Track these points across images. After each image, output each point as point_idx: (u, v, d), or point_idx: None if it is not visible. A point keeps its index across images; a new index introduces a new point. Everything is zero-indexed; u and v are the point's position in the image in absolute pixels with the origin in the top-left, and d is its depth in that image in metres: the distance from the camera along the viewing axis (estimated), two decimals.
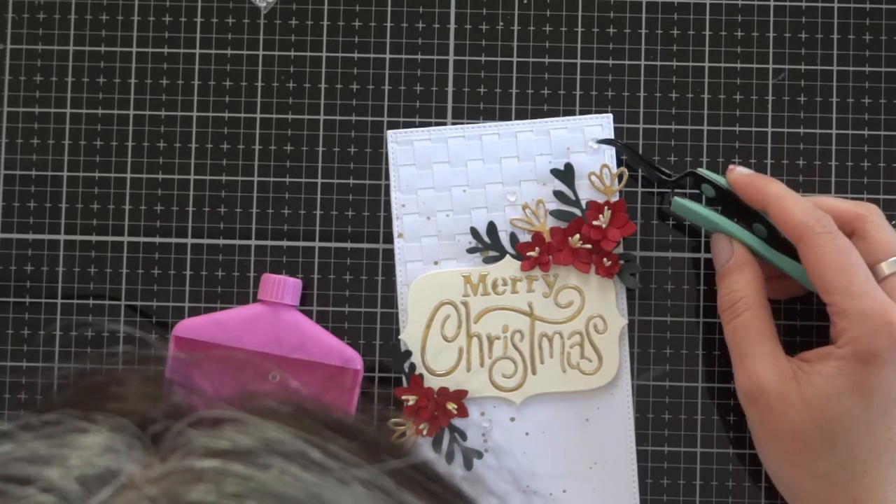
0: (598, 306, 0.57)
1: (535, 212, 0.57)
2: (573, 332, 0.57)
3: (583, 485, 0.57)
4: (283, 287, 0.56)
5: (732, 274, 0.53)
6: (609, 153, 0.58)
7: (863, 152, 0.59)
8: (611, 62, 0.59)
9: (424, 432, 0.57)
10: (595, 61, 0.59)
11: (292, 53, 0.59)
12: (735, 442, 0.57)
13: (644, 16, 0.59)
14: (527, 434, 0.57)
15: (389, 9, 0.59)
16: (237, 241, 0.59)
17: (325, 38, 0.59)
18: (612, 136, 0.58)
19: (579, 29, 0.59)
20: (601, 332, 0.57)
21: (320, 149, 0.59)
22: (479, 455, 0.57)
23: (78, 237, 0.59)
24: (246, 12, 0.59)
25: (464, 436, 0.57)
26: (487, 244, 0.57)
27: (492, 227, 0.57)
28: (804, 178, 0.58)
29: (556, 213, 0.57)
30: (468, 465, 0.56)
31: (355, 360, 0.56)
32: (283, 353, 0.55)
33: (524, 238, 0.57)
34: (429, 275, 0.57)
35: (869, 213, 0.52)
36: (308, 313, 0.58)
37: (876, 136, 0.59)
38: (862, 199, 0.58)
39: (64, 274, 0.59)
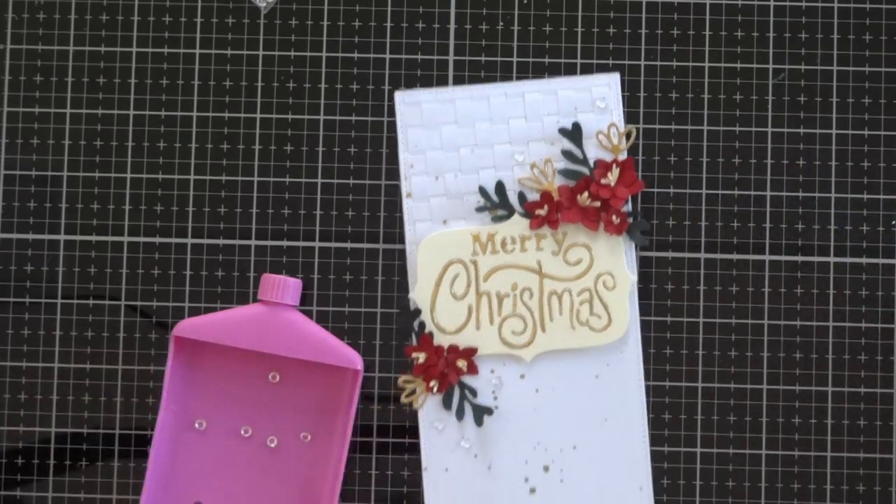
0: (607, 263, 0.57)
1: (543, 171, 0.58)
2: (582, 289, 0.57)
3: (593, 440, 0.57)
4: (283, 287, 0.56)
5: None
6: (616, 112, 0.58)
7: (863, 152, 0.59)
8: (611, 62, 0.59)
9: (434, 389, 0.57)
10: (595, 61, 0.59)
11: (292, 53, 0.59)
12: (735, 442, 0.57)
13: (644, 16, 0.59)
14: (536, 391, 0.57)
15: (389, 9, 0.59)
16: (237, 241, 0.59)
17: (325, 38, 0.59)
18: (619, 95, 0.58)
19: (579, 29, 0.59)
20: (610, 288, 0.57)
21: (320, 149, 0.59)
22: (490, 412, 0.57)
23: (78, 237, 0.59)
24: (246, 12, 0.59)
25: (474, 393, 0.57)
26: (496, 203, 0.58)
27: (500, 187, 0.58)
28: (804, 178, 0.58)
29: (564, 172, 0.57)
30: (478, 422, 0.57)
31: (355, 360, 0.56)
32: (283, 354, 0.55)
33: (532, 197, 0.58)
34: (438, 234, 0.58)
35: None
36: (308, 313, 0.58)
37: (876, 136, 0.59)
38: (862, 199, 0.58)
39: (64, 274, 0.59)
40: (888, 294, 0.58)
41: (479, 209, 0.58)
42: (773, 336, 0.58)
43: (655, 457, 0.57)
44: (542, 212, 0.57)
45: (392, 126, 0.59)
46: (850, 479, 0.57)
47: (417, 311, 0.57)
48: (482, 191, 0.58)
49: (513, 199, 0.58)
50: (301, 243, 0.59)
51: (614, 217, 0.57)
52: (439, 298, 0.57)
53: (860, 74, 0.59)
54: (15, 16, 0.60)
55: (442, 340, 0.57)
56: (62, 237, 0.59)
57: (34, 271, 0.59)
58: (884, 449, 0.58)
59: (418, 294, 0.57)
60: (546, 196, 0.57)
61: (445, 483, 0.57)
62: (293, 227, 0.59)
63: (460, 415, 0.57)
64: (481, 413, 0.57)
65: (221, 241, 0.59)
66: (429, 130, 0.58)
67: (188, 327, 0.55)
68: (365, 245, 0.59)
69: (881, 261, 0.58)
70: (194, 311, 0.58)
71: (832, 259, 0.58)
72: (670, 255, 0.58)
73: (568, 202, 0.57)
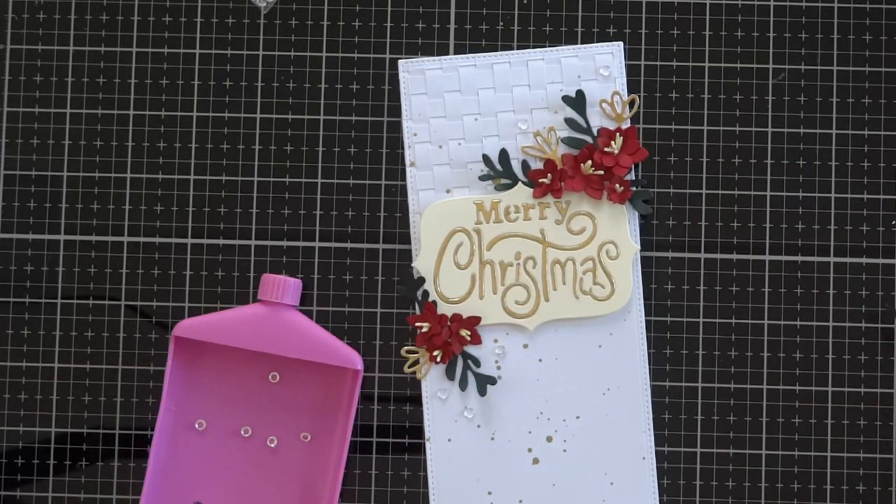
0: (611, 232, 0.57)
1: (546, 139, 0.58)
2: (585, 258, 0.57)
3: (596, 410, 0.57)
4: (284, 287, 0.56)
5: None
6: (620, 81, 0.58)
7: (863, 152, 0.59)
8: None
9: (438, 359, 0.57)
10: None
11: (292, 53, 0.59)
12: (735, 442, 0.57)
13: (644, 16, 0.59)
14: (540, 360, 0.57)
15: (389, 9, 0.59)
16: (237, 241, 0.59)
17: (325, 38, 0.59)
18: (623, 63, 0.58)
19: (579, 29, 0.59)
20: (613, 258, 0.57)
21: (320, 149, 0.59)
22: (493, 381, 0.57)
23: (78, 237, 0.59)
24: (246, 12, 0.59)
25: (477, 362, 0.57)
26: (499, 172, 0.58)
27: (504, 155, 0.58)
28: (804, 178, 0.58)
29: (568, 141, 0.58)
30: (482, 392, 0.57)
31: (355, 360, 0.56)
32: (283, 354, 0.55)
33: (536, 165, 0.58)
34: (441, 203, 0.58)
35: None
36: (308, 313, 0.58)
37: (876, 136, 0.59)
38: (862, 199, 0.58)
39: (64, 274, 0.59)
40: (888, 294, 0.58)
41: (483, 178, 0.58)
42: (773, 336, 0.58)
43: (656, 457, 0.57)
44: (545, 180, 0.57)
45: (392, 126, 0.59)
46: (850, 479, 0.57)
47: (421, 280, 0.57)
48: (486, 159, 0.58)
49: (516, 167, 0.58)
50: (301, 243, 0.59)
51: (617, 185, 0.57)
52: (443, 267, 0.57)
53: (860, 74, 0.59)
54: (15, 16, 0.60)
55: (445, 310, 0.57)
56: (62, 237, 0.59)
57: (34, 271, 0.59)
58: (884, 449, 0.58)
59: (421, 263, 0.57)
60: (549, 164, 0.57)
61: (448, 453, 0.57)
62: (293, 227, 0.59)
63: (463, 385, 0.57)
64: (484, 383, 0.57)
65: (221, 241, 0.59)
66: (433, 99, 0.58)
67: (188, 327, 0.56)
68: (365, 245, 0.59)
69: (881, 261, 0.58)
70: (194, 311, 0.58)
71: (832, 259, 0.58)
72: (670, 255, 0.58)
73: (571, 171, 0.57)
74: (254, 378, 0.57)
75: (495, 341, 0.57)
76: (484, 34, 0.59)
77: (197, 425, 0.57)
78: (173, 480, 0.57)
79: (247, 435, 0.57)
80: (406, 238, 0.58)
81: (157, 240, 0.59)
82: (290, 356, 0.55)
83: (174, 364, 0.56)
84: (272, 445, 0.57)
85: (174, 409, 0.56)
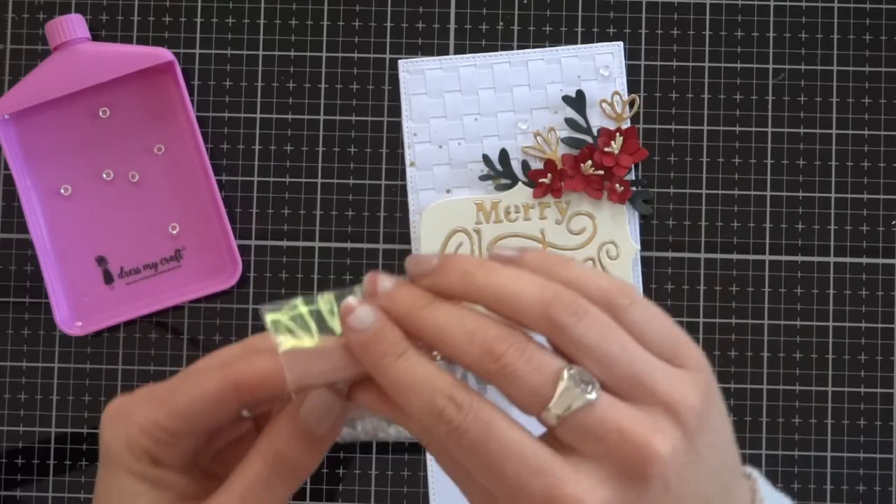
0: (611, 232, 0.57)
1: (546, 139, 0.58)
2: (586, 258, 0.57)
3: None
4: (67, 24, 0.56)
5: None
6: (620, 81, 0.58)
7: (863, 152, 0.59)
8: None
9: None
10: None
11: (292, 53, 0.59)
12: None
13: (644, 16, 0.59)
14: None
15: (389, 9, 0.59)
16: (237, 241, 0.58)
17: (325, 38, 0.59)
18: (623, 63, 0.58)
19: (579, 29, 0.59)
20: (613, 258, 0.57)
21: (320, 149, 0.59)
22: None
23: None
24: (246, 12, 0.59)
25: None
26: (500, 172, 0.58)
27: (504, 155, 0.58)
28: (804, 178, 0.58)
29: (568, 141, 0.58)
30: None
31: (162, 53, 0.57)
32: (97, 81, 0.56)
33: (536, 165, 0.58)
34: (441, 203, 0.58)
35: None
36: None
37: (876, 136, 0.59)
38: (862, 199, 0.58)
39: None
40: (888, 294, 0.58)
41: (483, 178, 0.58)
42: (773, 336, 0.58)
43: None
44: (545, 180, 0.57)
45: (392, 126, 0.59)
46: (850, 479, 0.57)
47: None
48: (486, 159, 0.58)
49: (516, 167, 0.58)
50: (301, 243, 0.59)
51: (617, 185, 0.57)
52: None
53: (860, 74, 0.59)
54: (15, 16, 0.60)
55: None
56: None
57: (34, 271, 0.59)
58: (884, 449, 0.58)
59: None
60: (549, 164, 0.57)
61: None
62: (293, 227, 0.59)
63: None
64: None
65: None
66: (432, 98, 0.58)
67: (8, 102, 0.56)
68: (365, 245, 0.59)
69: (881, 261, 0.58)
70: (194, 311, 0.58)
71: (832, 259, 0.58)
72: (670, 255, 0.58)
73: (571, 171, 0.57)
74: (87, 124, 0.58)
75: None
76: (484, 34, 0.59)
77: (63, 191, 0.58)
78: (66, 247, 0.58)
79: (109, 178, 0.58)
80: (406, 238, 0.58)
81: None
82: (106, 80, 0.56)
83: (9, 144, 0.57)
84: (135, 180, 0.58)
85: (31, 185, 0.57)
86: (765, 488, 0.33)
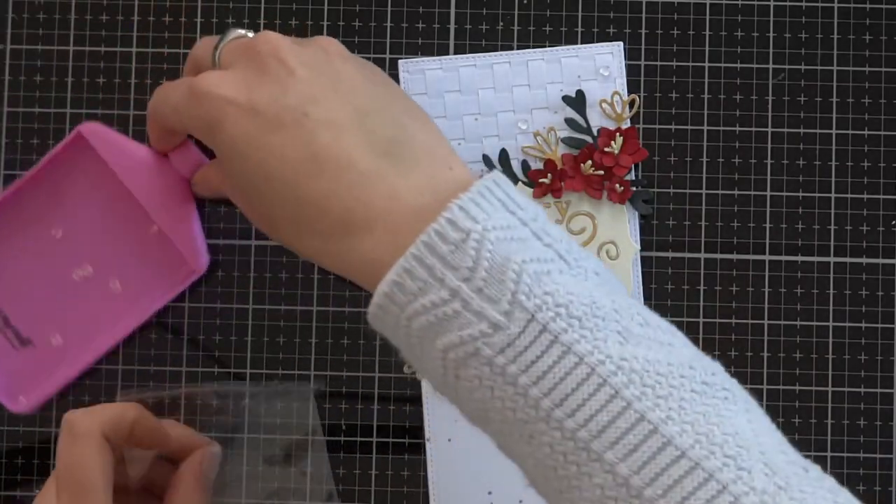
0: (611, 232, 0.57)
1: (546, 139, 0.58)
2: None
3: None
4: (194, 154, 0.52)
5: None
6: (620, 81, 0.58)
7: (863, 152, 0.59)
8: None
9: None
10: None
11: None
12: None
13: (644, 16, 0.59)
14: None
15: (389, 9, 0.59)
16: (237, 241, 0.58)
17: None
18: (623, 63, 0.58)
19: (579, 29, 0.59)
20: (614, 258, 0.57)
21: None
22: None
23: None
24: (246, 12, 0.59)
25: None
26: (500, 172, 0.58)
27: (504, 155, 0.58)
28: (804, 178, 0.58)
29: (568, 141, 0.58)
30: None
31: (202, 260, 0.54)
32: (151, 211, 0.52)
33: (536, 165, 0.58)
34: None
35: None
36: (308, 313, 0.58)
37: (876, 136, 0.59)
38: (862, 199, 0.58)
39: None
40: (888, 294, 0.58)
41: None
42: (773, 336, 0.58)
43: None
44: (545, 180, 0.57)
45: None
46: (850, 479, 0.57)
47: None
48: (486, 159, 0.58)
49: (516, 167, 0.58)
50: None
51: (618, 186, 0.57)
52: None
53: (860, 74, 0.59)
54: (15, 16, 0.60)
55: None
56: None
57: None
58: (884, 449, 0.58)
59: None
60: (549, 165, 0.57)
61: (448, 453, 0.57)
62: None
63: None
64: None
65: (222, 241, 0.59)
66: (432, 99, 0.58)
67: (99, 131, 0.52)
68: None
69: (881, 261, 0.58)
70: (193, 311, 0.58)
71: (832, 259, 0.58)
72: (670, 255, 0.58)
73: (571, 171, 0.57)
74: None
75: None
76: (484, 34, 0.59)
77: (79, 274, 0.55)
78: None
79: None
80: None
81: None
82: (155, 218, 0.52)
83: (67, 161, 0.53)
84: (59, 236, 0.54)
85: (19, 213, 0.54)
86: (496, 175, 0.39)
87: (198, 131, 0.42)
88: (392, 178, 0.38)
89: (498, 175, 0.38)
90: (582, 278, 0.35)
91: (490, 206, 0.36)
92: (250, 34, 0.43)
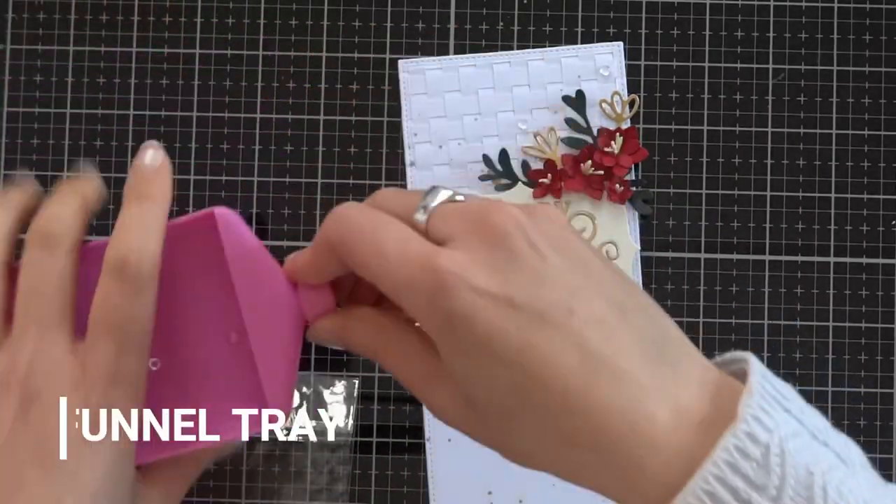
0: (611, 232, 0.57)
1: (546, 139, 0.58)
2: None
3: None
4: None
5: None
6: (620, 81, 0.58)
7: (863, 152, 0.59)
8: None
9: None
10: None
11: (292, 53, 0.59)
12: None
13: (644, 16, 0.59)
14: None
15: (389, 9, 0.59)
16: None
17: (325, 38, 0.59)
18: (623, 63, 0.58)
19: (579, 29, 0.59)
20: (614, 258, 0.57)
21: (320, 149, 0.59)
22: None
23: None
24: (246, 12, 0.59)
25: None
26: (499, 172, 0.58)
27: (504, 155, 0.58)
28: (804, 178, 0.58)
29: (568, 141, 0.58)
30: None
31: (285, 405, 0.40)
32: (249, 326, 0.40)
33: (536, 165, 0.58)
34: None
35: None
36: None
37: (876, 136, 0.59)
38: (862, 199, 0.58)
39: None
40: (888, 294, 0.58)
41: (483, 178, 0.58)
42: (773, 336, 0.58)
43: None
44: (545, 180, 0.57)
45: (392, 126, 0.59)
46: None
47: None
48: (486, 159, 0.58)
49: (516, 167, 0.58)
50: (302, 244, 0.59)
51: (617, 186, 0.57)
52: None
53: (860, 74, 0.59)
54: (15, 16, 0.60)
55: None
56: None
57: None
58: (884, 449, 0.58)
59: None
60: (549, 165, 0.57)
61: (448, 453, 0.57)
62: (293, 227, 0.59)
63: None
64: None
65: None
66: (432, 99, 0.58)
67: (234, 222, 0.40)
68: None
69: (881, 261, 0.58)
70: None
71: (832, 259, 0.58)
72: (670, 255, 0.58)
73: (571, 171, 0.57)
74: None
75: None
76: (484, 34, 0.59)
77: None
78: None
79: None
80: None
81: None
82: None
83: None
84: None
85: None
86: (758, 366, 0.33)
87: (430, 319, 0.33)
88: (671, 387, 0.33)
89: (756, 361, 0.33)
90: (859, 478, 0.32)
91: (771, 408, 0.32)
92: (459, 197, 0.35)
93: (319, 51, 0.59)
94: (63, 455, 0.34)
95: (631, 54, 0.59)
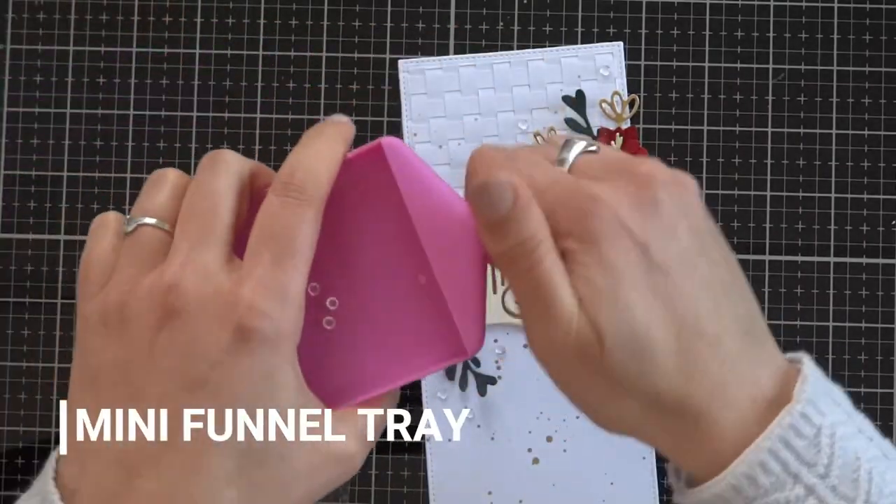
0: None
1: (546, 139, 0.58)
2: None
3: None
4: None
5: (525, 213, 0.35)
6: (620, 81, 0.58)
7: (863, 152, 0.59)
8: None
9: None
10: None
11: (292, 53, 0.59)
12: None
13: (644, 16, 0.59)
14: None
15: (389, 9, 0.59)
16: None
17: (325, 38, 0.59)
18: (623, 63, 0.58)
19: (579, 29, 0.59)
20: None
21: None
22: (493, 381, 0.57)
23: (78, 237, 0.59)
24: (246, 12, 0.59)
25: (477, 362, 0.57)
26: None
27: None
28: (804, 178, 0.58)
29: None
30: (482, 392, 0.57)
31: (477, 340, 0.40)
32: (432, 260, 0.39)
33: None
34: None
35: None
36: None
37: (876, 136, 0.59)
38: (862, 199, 0.58)
39: (64, 274, 0.59)
40: (888, 294, 0.58)
41: None
42: (773, 336, 0.58)
43: (656, 456, 0.57)
44: None
45: (392, 126, 0.59)
46: None
47: None
48: None
49: None
50: None
51: None
52: None
53: (860, 74, 0.59)
54: (15, 16, 0.60)
55: None
56: (62, 237, 0.59)
57: (34, 271, 0.59)
58: None
59: None
60: None
61: (448, 453, 0.57)
62: None
63: (464, 385, 0.57)
64: (484, 383, 0.57)
65: None
66: (432, 98, 0.58)
67: (403, 151, 0.38)
68: None
69: (881, 261, 0.58)
70: None
71: (832, 259, 0.58)
72: None
73: None
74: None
75: (495, 341, 0.57)
76: (484, 34, 0.59)
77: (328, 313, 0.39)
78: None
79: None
80: None
81: None
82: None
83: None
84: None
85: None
86: (814, 365, 0.35)
87: (564, 221, 0.34)
88: (754, 363, 0.35)
89: (812, 361, 0.36)
90: None
91: (825, 397, 0.34)
92: (593, 147, 0.36)
93: (319, 51, 0.59)
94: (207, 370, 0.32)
95: (631, 54, 0.59)
